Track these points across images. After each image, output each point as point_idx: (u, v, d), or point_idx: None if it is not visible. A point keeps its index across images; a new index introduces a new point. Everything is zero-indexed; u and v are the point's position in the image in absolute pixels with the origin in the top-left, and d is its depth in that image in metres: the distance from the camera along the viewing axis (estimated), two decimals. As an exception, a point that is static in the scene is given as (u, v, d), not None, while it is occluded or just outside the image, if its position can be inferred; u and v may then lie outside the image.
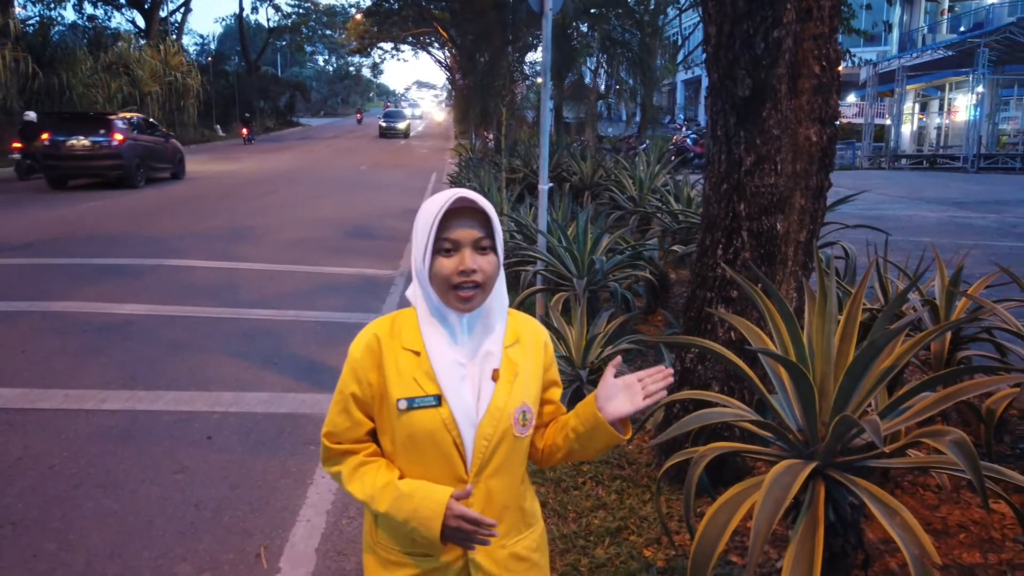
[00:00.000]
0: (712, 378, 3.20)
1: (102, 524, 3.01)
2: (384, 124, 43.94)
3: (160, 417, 4.11)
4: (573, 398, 4.09)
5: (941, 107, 32.12)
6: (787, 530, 2.61)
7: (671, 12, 21.29)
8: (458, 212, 1.35)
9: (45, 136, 15.63)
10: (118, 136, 15.81)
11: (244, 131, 32.83)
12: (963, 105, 28.84)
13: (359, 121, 60.25)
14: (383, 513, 1.38)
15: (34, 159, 16.83)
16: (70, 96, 23.21)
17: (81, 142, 15.53)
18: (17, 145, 17.15)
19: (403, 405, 1.37)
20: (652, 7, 18.35)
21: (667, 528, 2.70)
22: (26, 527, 2.98)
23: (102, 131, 15.74)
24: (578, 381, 4.17)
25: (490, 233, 1.38)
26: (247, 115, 33.54)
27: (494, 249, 1.39)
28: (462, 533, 1.34)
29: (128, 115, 17.45)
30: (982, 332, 3.83)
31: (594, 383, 4.21)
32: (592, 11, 17.31)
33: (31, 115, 17.84)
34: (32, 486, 3.31)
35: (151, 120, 18.98)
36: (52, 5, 29.17)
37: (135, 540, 2.90)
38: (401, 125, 43.84)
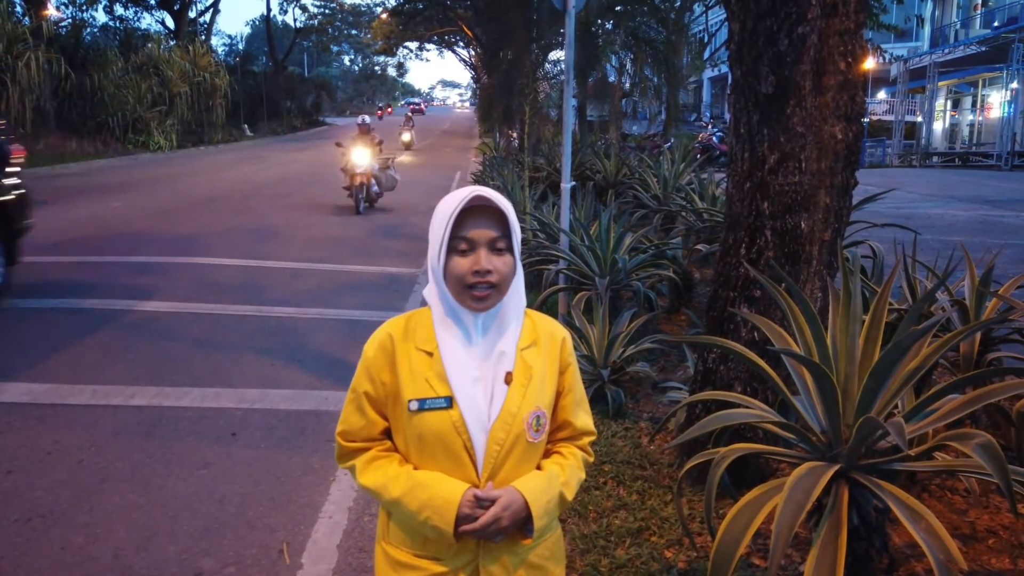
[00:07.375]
0: (734, 378, 3.17)
1: (128, 518, 3.06)
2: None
3: (185, 413, 4.17)
4: (595, 398, 4.08)
5: (974, 104, 31.50)
6: (810, 533, 2.58)
7: (697, 9, 21.14)
8: (474, 211, 1.33)
9: None
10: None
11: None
12: (996, 102, 28.27)
13: (380, 118, 61.41)
14: (395, 500, 1.35)
15: None
16: (101, 97, 23.60)
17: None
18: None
19: (414, 406, 1.36)
20: (678, 4, 18.24)
21: (688, 529, 2.68)
22: (55, 520, 3.04)
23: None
24: (600, 380, 4.15)
25: (507, 233, 1.35)
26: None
27: (511, 250, 1.36)
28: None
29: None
30: (1013, 333, 3.75)
31: (616, 383, 4.19)
32: (617, 8, 17.23)
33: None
34: (61, 480, 3.38)
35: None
36: (84, 7, 29.65)
37: (160, 534, 2.95)
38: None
